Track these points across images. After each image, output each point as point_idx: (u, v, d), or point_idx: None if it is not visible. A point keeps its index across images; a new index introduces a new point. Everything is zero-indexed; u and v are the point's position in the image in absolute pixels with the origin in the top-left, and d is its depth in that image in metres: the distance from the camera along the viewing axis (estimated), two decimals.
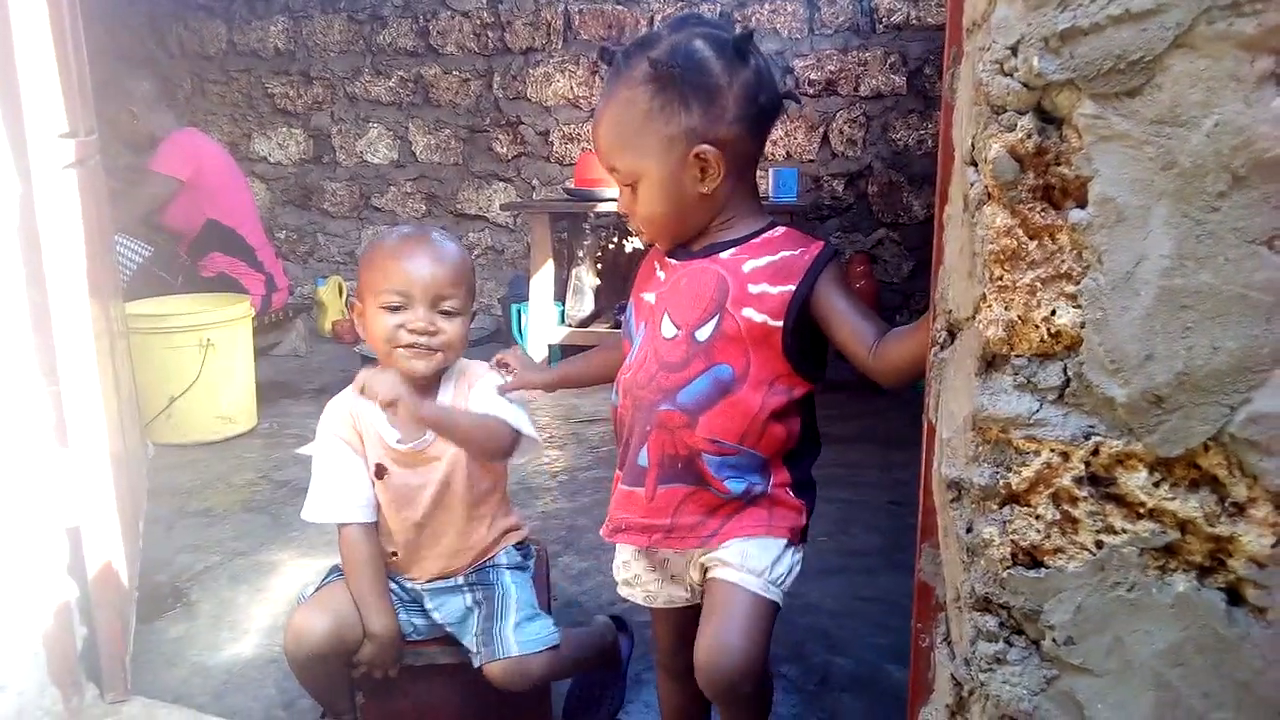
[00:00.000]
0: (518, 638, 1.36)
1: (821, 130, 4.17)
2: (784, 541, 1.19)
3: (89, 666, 1.46)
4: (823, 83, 4.12)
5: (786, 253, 1.17)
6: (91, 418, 1.43)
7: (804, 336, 1.16)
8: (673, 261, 1.23)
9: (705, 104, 1.13)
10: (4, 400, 1.32)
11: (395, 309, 1.35)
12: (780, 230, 1.21)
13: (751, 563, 1.16)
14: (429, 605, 1.47)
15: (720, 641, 1.13)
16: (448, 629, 1.45)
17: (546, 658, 1.37)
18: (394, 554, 1.46)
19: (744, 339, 1.14)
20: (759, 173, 4.17)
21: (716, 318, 1.15)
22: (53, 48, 1.43)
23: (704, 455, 1.16)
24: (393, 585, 1.46)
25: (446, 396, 1.43)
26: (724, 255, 1.18)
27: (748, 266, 1.16)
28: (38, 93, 1.36)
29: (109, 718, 1.43)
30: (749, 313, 1.14)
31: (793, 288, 1.13)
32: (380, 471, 1.42)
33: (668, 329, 1.19)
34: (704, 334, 1.16)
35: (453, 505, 1.43)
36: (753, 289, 1.15)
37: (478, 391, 1.42)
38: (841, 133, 4.15)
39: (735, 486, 1.17)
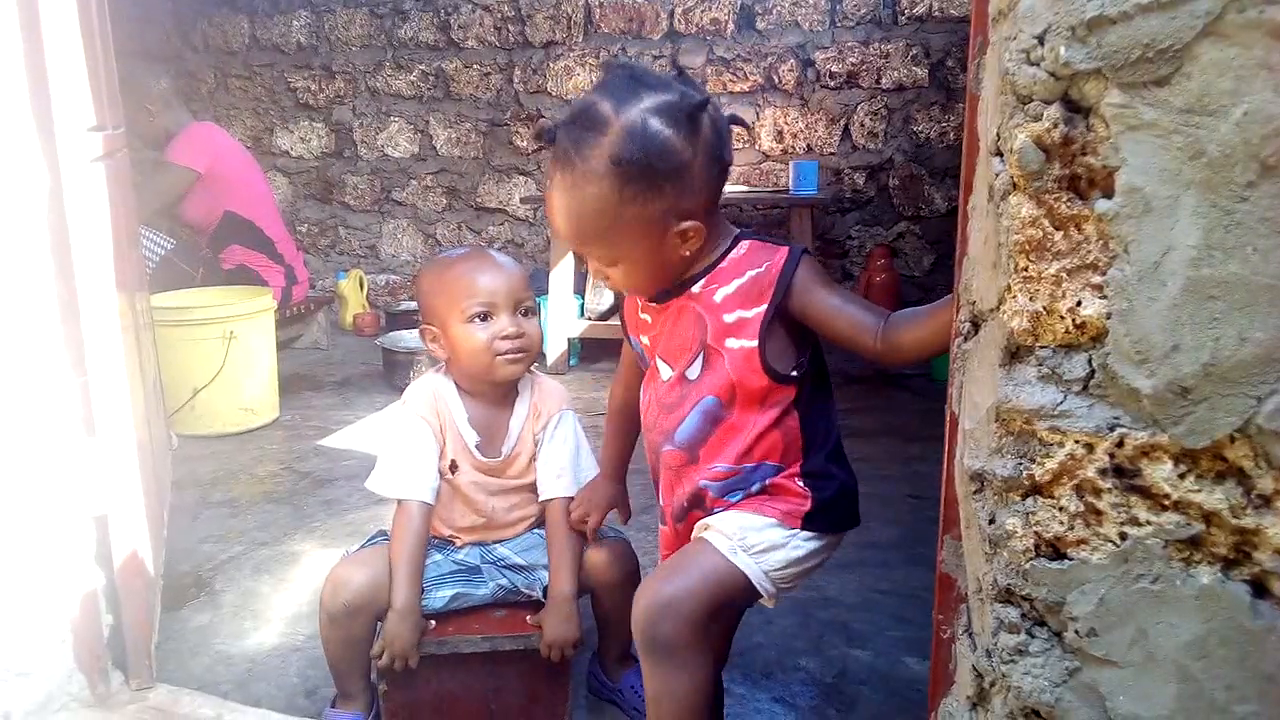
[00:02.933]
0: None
1: (842, 123, 4.15)
2: (772, 521, 1.17)
3: (115, 654, 1.48)
4: (844, 75, 4.09)
5: (752, 271, 1.17)
6: (119, 408, 1.45)
7: (786, 343, 1.16)
8: (653, 305, 1.25)
9: (676, 182, 1.11)
10: (34, 390, 1.34)
11: (482, 318, 1.42)
12: (744, 246, 1.20)
13: (726, 526, 1.16)
14: (503, 550, 1.52)
15: (653, 580, 1.14)
16: (521, 565, 1.51)
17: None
18: (452, 537, 1.52)
19: (725, 368, 1.16)
20: (779, 166, 4.15)
21: (701, 355, 1.18)
22: (81, 42, 1.44)
23: (704, 484, 1.19)
24: (454, 558, 1.51)
25: (519, 420, 1.51)
26: (695, 289, 1.19)
27: (719, 296, 1.17)
28: (67, 87, 1.37)
29: (134, 704, 1.44)
30: (731, 343, 1.16)
31: (764, 307, 1.14)
32: (453, 466, 1.48)
33: (664, 372, 1.23)
34: (693, 373, 1.19)
35: (523, 518, 1.54)
36: (728, 319, 1.16)
37: (550, 441, 1.51)
38: (863, 125, 4.13)
39: (735, 499, 1.19)
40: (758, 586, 1.15)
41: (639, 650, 1.13)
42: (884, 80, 4.06)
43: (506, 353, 1.43)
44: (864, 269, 4.03)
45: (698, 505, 1.21)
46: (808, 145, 4.20)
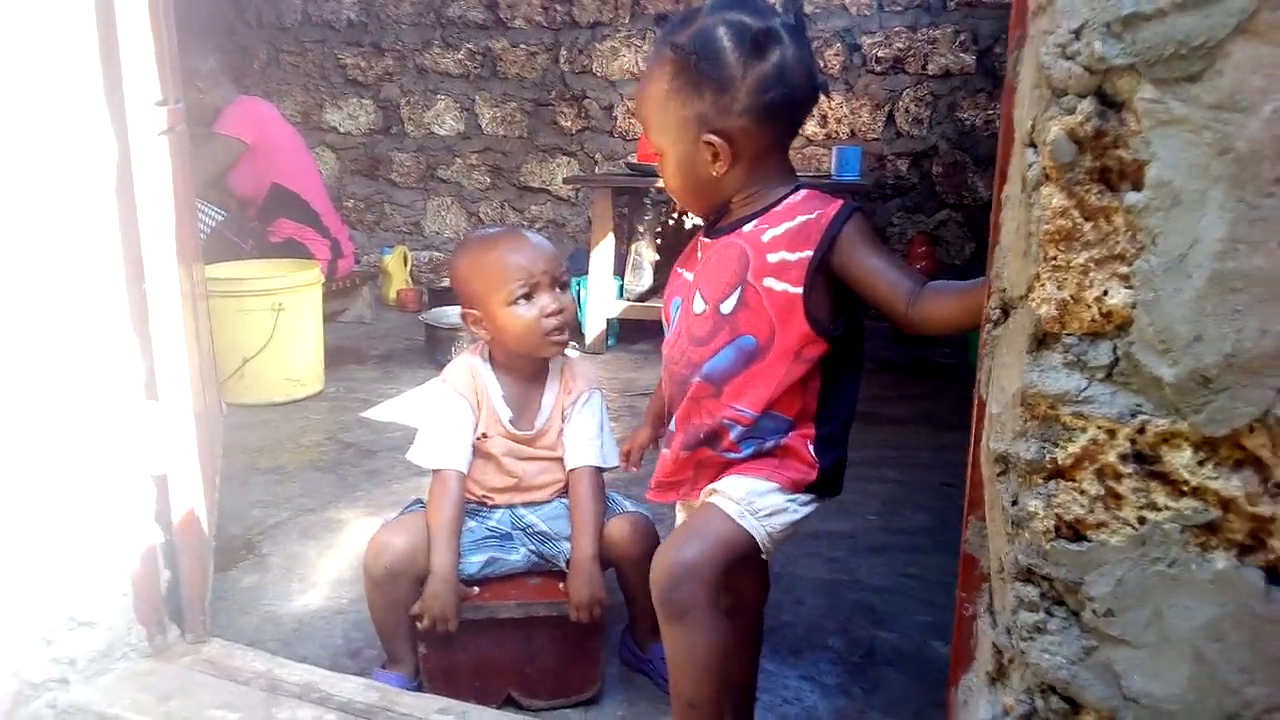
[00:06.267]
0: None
1: (887, 109, 4.13)
2: (776, 486, 1.20)
3: (172, 608, 1.55)
4: (890, 60, 4.07)
5: (803, 216, 1.19)
6: (178, 373, 1.51)
7: (831, 298, 1.19)
8: (706, 240, 1.28)
9: (716, 93, 1.17)
10: (100, 353, 1.40)
11: (526, 299, 1.48)
12: (800, 194, 1.23)
13: (734, 491, 1.20)
14: (531, 517, 1.58)
15: (668, 546, 1.18)
16: (548, 531, 1.57)
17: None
18: (484, 498, 1.59)
19: (766, 310, 1.18)
20: (822, 151, 4.15)
21: (739, 290, 1.19)
22: (148, 18, 1.49)
23: (726, 423, 1.21)
24: (487, 524, 1.57)
25: (550, 397, 1.58)
26: (746, 229, 1.22)
27: (767, 236, 1.20)
28: (135, 62, 1.43)
29: (189, 656, 1.51)
30: (770, 282, 1.18)
31: (809, 252, 1.16)
32: (485, 436, 1.55)
33: (698, 305, 1.25)
34: (728, 307, 1.20)
35: (551, 481, 1.60)
36: (771, 258, 1.18)
37: (577, 415, 1.58)
38: (907, 111, 4.11)
39: (748, 449, 1.22)
40: (761, 546, 1.19)
41: (659, 613, 1.17)
42: (930, 66, 4.03)
43: (552, 330, 1.49)
44: (904, 256, 4.02)
45: (713, 442, 1.23)
46: (851, 131, 4.19)
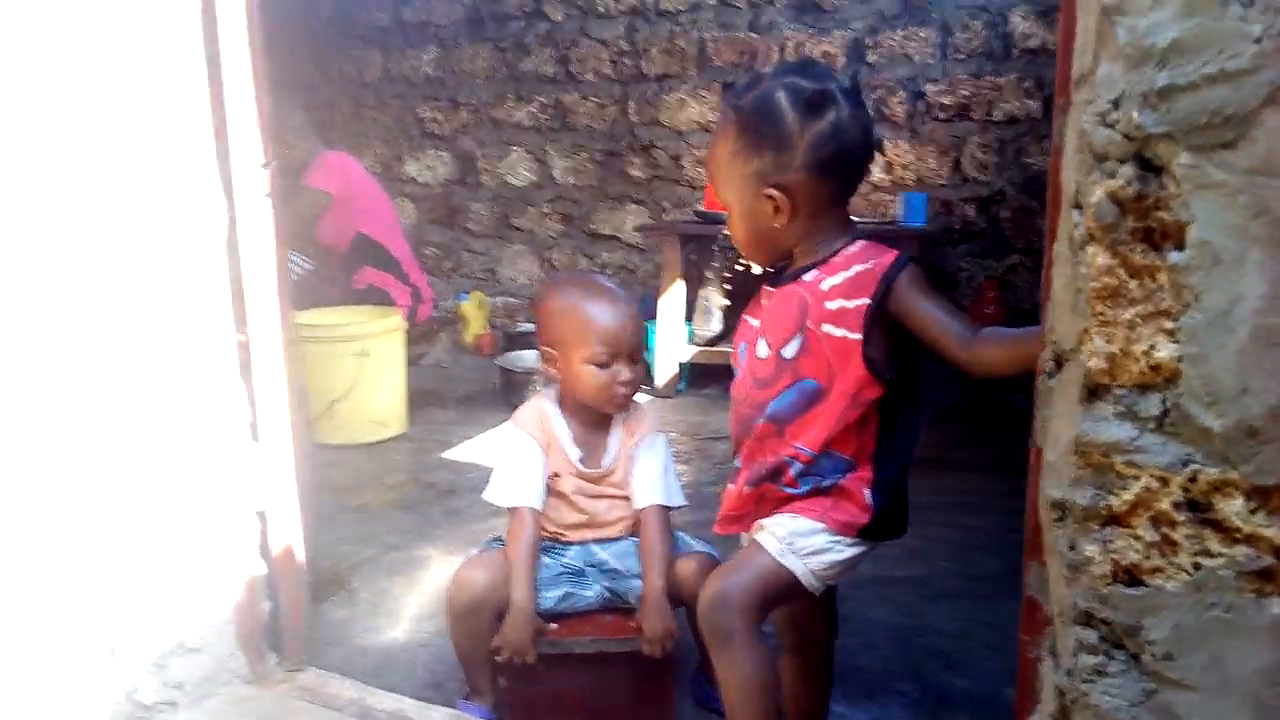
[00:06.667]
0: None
1: (953, 155, 4.15)
2: (823, 527, 1.26)
3: (271, 637, 1.65)
4: (955, 108, 4.10)
5: (860, 266, 1.27)
6: (278, 416, 1.62)
7: (888, 344, 1.25)
8: (770, 289, 1.37)
9: (775, 151, 1.26)
10: (211, 399, 1.52)
11: (604, 364, 1.57)
12: (858, 245, 1.31)
13: (778, 530, 1.26)
14: (603, 554, 1.64)
15: (714, 576, 1.28)
16: (619, 568, 1.63)
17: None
18: (557, 534, 1.66)
19: (826, 354, 1.25)
20: (889, 197, 4.17)
21: (800, 336, 1.27)
22: (252, 87, 1.62)
23: (788, 460, 1.28)
24: (561, 560, 1.64)
25: (615, 439, 1.67)
26: (806, 278, 1.30)
27: (825, 284, 1.28)
28: (242, 130, 1.56)
29: (286, 684, 1.60)
30: (829, 328, 1.25)
31: (866, 300, 1.23)
32: (556, 476, 1.63)
33: (761, 349, 1.33)
34: (789, 351, 1.28)
35: (620, 517, 1.67)
36: (830, 305, 1.26)
37: (643, 456, 1.65)
38: (973, 157, 4.12)
39: (805, 485, 1.28)
40: (804, 583, 1.26)
41: (705, 641, 1.26)
42: (995, 113, 4.05)
43: (619, 397, 1.60)
44: (973, 301, 4.01)
45: (776, 478, 1.29)
46: (918, 177, 4.22)
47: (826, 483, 1.27)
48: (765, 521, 1.29)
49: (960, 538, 2.41)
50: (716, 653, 1.24)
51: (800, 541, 1.25)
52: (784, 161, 1.26)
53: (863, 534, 1.27)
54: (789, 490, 1.28)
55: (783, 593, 1.27)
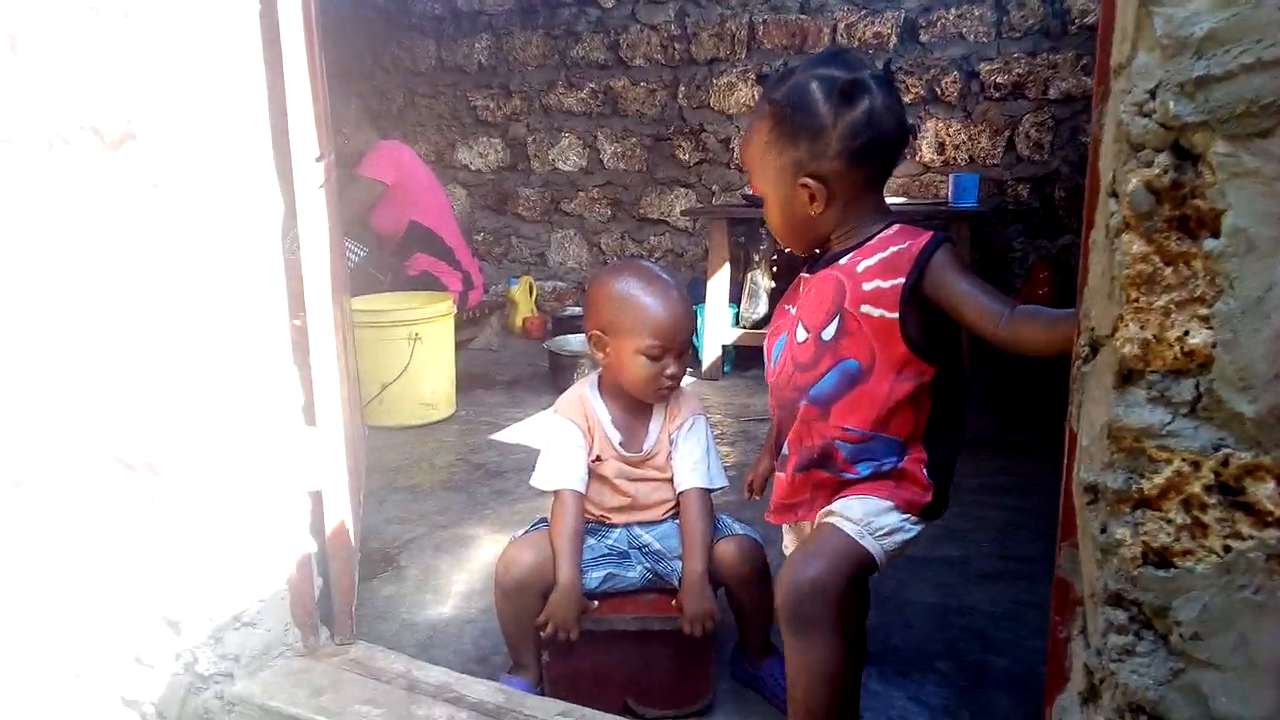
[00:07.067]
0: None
1: (1007, 134, 4.09)
2: (891, 505, 1.27)
3: (323, 612, 1.71)
4: (1009, 86, 4.04)
5: (895, 247, 1.28)
6: (332, 400, 1.68)
7: (927, 323, 1.26)
8: (807, 276, 1.39)
9: (810, 141, 1.28)
10: (268, 383, 1.58)
11: (655, 357, 1.60)
12: (894, 228, 1.32)
13: (851, 512, 1.27)
14: (646, 536, 1.67)
15: (794, 564, 1.26)
16: (662, 550, 1.66)
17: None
18: (602, 517, 1.69)
19: (866, 334, 1.26)
20: (940, 179, 4.13)
21: (838, 318, 1.28)
22: (308, 78, 1.67)
23: (837, 443, 1.29)
24: (606, 542, 1.68)
25: (657, 423, 1.70)
26: (842, 262, 1.32)
27: (861, 266, 1.29)
28: (300, 124, 1.61)
29: (338, 657, 1.66)
30: (867, 309, 1.26)
31: (902, 280, 1.24)
32: (599, 459, 1.67)
33: (800, 334, 1.35)
34: (829, 334, 1.30)
35: (663, 500, 1.69)
36: (866, 286, 1.27)
37: (685, 439, 1.67)
38: (1028, 136, 4.06)
39: (864, 470, 1.29)
40: (878, 563, 1.27)
41: (783, 628, 1.25)
42: (1051, 91, 3.97)
43: (664, 389, 1.63)
44: (1025, 282, 3.96)
45: (826, 462, 1.31)
46: (970, 157, 4.16)
47: (886, 466, 1.29)
48: (833, 507, 1.30)
49: (1005, 518, 2.40)
50: (797, 641, 1.23)
51: (876, 521, 1.27)
52: (818, 151, 1.28)
53: (924, 513, 1.30)
54: (846, 476, 1.30)
55: (862, 576, 1.28)
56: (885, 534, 1.27)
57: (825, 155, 1.28)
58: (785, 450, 1.37)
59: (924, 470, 1.29)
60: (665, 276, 1.66)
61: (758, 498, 1.60)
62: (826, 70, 1.28)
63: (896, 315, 1.24)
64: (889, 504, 1.28)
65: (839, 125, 1.26)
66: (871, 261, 1.28)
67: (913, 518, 1.29)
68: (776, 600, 1.24)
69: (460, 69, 5.30)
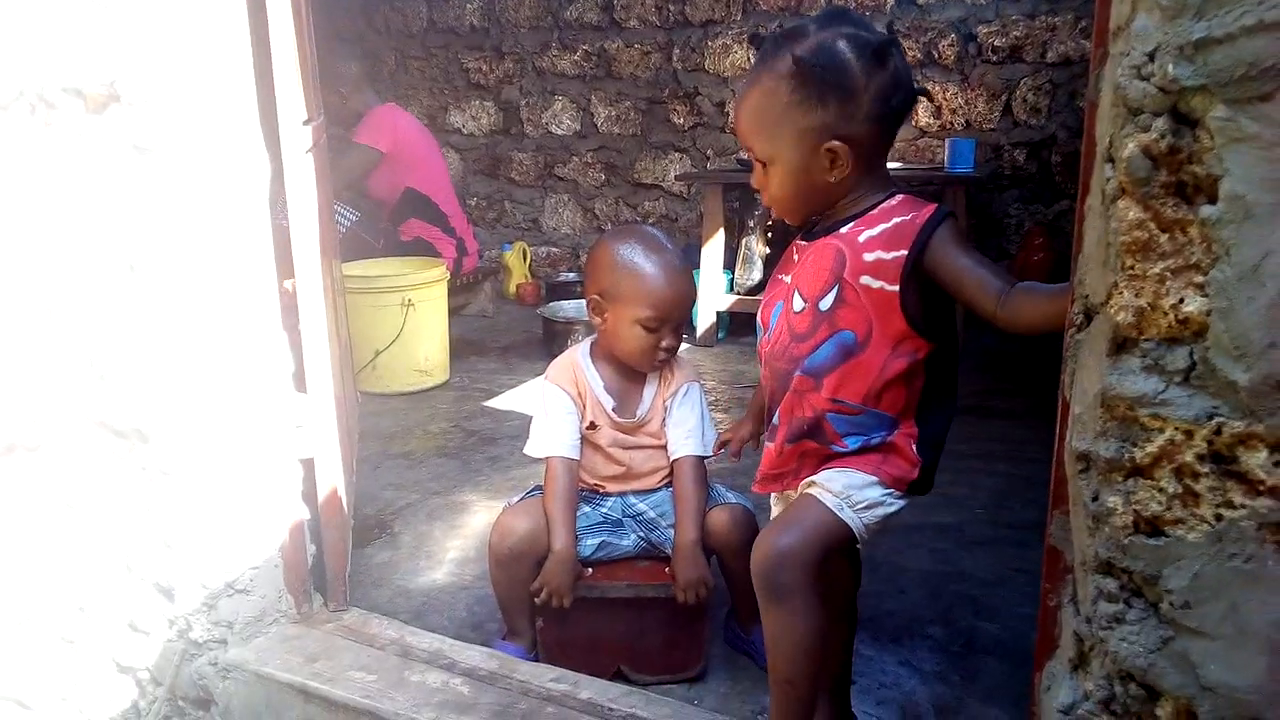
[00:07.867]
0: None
1: (1004, 98, 4.05)
2: (876, 480, 1.26)
3: (316, 579, 1.72)
4: (1007, 49, 3.99)
5: (899, 219, 1.24)
6: (323, 366, 1.67)
7: (925, 298, 1.23)
8: (803, 243, 1.35)
9: (841, 102, 1.22)
10: (257, 349, 1.57)
11: (652, 329, 1.59)
12: (897, 199, 1.28)
13: (832, 484, 1.26)
14: (640, 505, 1.68)
15: (769, 533, 1.25)
16: (656, 518, 1.67)
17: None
18: (596, 486, 1.69)
19: (864, 305, 1.23)
20: (936, 143, 4.09)
21: (836, 288, 1.25)
22: (295, 43, 1.64)
23: (829, 415, 1.27)
24: (600, 511, 1.68)
25: (650, 389, 1.69)
26: (844, 230, 1.28)
27: (863, 236, 1.26)
28: (286, 87, 1.59)
29: (331, 623, 1.67)
30: (867, 280, 1.23)
31: (904, 252, 1.21)
32: (592, 426, 1.66)
33: (797, 303, 1.31)
34: (826, 304, 1.26)
35: (657, 468, 1.70)
36: (868, 257, 1.24)
37: (679, 407, 1.67)
38: (1025, 100, 4.02)
39: (853, 444, 1.27)
40: (857, 535, 1.25)
41: (759, 596, 1.23)
42: (1049, 54, 3.93)
43: (658, 361, 1.63)
44: (1021, 248, 3.95)
45: (816, 434, 1.29)
46: (966, 121, 4.13)
47: (875, 440, 1.27)
48: (816, 478, 1.29)
49: (998, 485, 2.41)
50: (772, 609, 1.22)
51: (856, 495, 1.25)
52: (850, 113, 1.23)
53: (910, 489, 1.29)
54: (836, 448, 1.29)
55: (838, 547, 1.27)
56: (865, 507, 1.25)
57: (855, 119, 1.23)
58: (775, 420, 1.35)
59: (913, 446, 1.28)
60: (670, 247, 1.64)
61: (735, 459, 1.59)
62: (850, 29, 1.23)
63: (897, 288, 1.22)
64: (872, 479, 1.26)
65: (870, 87, 1.22)
66: (874, 232, 1.25)
67: (896, 492, 1.28)
68: (752, 568, 1.23)
69: (452, 31, 5.22)
